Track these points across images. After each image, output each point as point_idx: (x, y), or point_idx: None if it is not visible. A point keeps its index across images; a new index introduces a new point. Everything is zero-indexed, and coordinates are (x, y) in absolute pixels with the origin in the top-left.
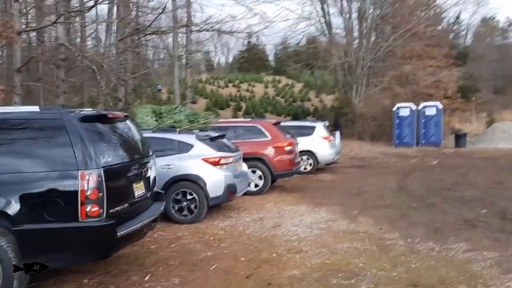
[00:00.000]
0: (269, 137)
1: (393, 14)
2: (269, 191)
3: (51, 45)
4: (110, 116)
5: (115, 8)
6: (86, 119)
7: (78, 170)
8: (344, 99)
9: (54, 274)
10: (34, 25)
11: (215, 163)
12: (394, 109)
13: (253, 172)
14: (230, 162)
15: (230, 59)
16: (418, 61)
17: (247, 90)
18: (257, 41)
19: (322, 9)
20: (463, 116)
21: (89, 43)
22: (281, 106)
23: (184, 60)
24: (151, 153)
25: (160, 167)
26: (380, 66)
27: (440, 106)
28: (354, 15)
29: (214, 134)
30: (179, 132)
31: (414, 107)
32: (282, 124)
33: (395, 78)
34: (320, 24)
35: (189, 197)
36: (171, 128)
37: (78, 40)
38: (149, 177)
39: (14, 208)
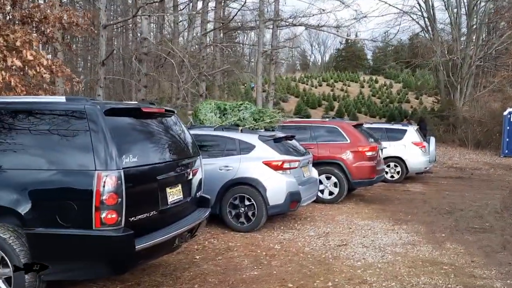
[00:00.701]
0: (349, 140)
1: (509, 7)
2: (345, 200)
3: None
4: (145, 110)
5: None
6: (112, 112)
7: (95, 170)
8: (446, 101)
9: (84, 280)
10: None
11: (277, 168)
12: (505, 113)
13: (328, 178)
14: (296, 167)
15: (327, 58)
16: None
17: (342, 90)
18: (354, 37)
19: (425, 2)
20: None
21: (181, 39)
22: (376, 107)
23: (269, 57)
24: (196, 153)
25: (218, 168)
26: (491, 66)
27: None
28: (462, 9)
29: (280, 134)
30: (242, 131)
31: None
32: (368, 126)
33: (508, 78)
34: (423, 18)
35: (247, 203)
36: (234, 127)
37: (169, 36)
38: (190, 180)
39: (25, 208)
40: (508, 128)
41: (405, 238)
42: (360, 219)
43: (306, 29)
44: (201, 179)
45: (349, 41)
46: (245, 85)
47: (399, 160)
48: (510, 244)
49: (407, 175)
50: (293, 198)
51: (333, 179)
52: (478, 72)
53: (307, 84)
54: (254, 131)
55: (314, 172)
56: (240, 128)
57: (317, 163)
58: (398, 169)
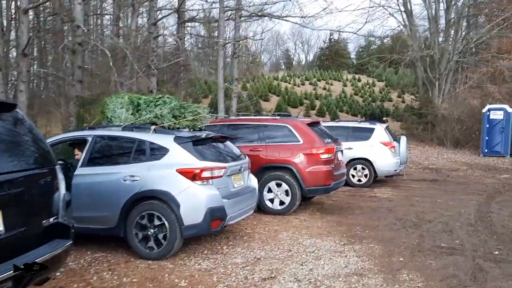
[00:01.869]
0: (301, 141)
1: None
2: (300, 210)
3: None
4: None
5: None
6: None
7: None
8: (424, 98)
9: None
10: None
11: (195, 177)
12: (484, 110)
13: (278, 185)
14: (221, 176)
15: (311, 57)
16: None
17: (324, 88)
18: (321, 29)
19: None
20: None
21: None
22: (358, 106)
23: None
24: (46, 163)
25: (122, 178)
26: (470, 61)
27: None
28: (441, 4)
29: (205, 134)
30: (155, 131)
31: (509, 109)
32: (331, 124)
33: (487, 75)
34: (400, 13)
35: (157, 222)
36: (148, 125)
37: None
38: (27, 202)
39: None
40: (487, 126)
41: (353, 265)
42: (307, 237)
43: (269, 19)
44: (54, 199)
45: (332, 40)
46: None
47: (366, 162)
48: (482, 273)
49: (376, 179)
50: (215, 216)
51: (284, 186)
52: (457, 68)
53: (289, 83)
54: (170, 132)
55: (251, 181)
56: (153, 127)
57: (267, 168)
58: (366, 172)
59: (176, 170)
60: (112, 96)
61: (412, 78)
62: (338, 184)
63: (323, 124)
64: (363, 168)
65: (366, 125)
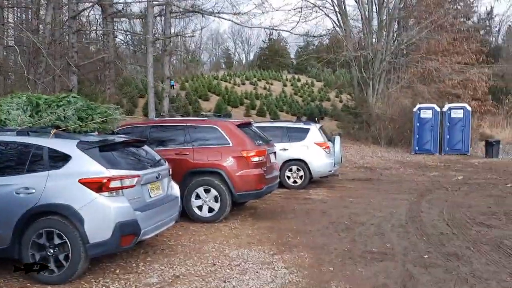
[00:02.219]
0: (231, 143)
1: (418, 3)
2: (232, 216)
3: None
4: None
5: None
6: None
7: None
8: (359, 98)
9: None
10: None
11: (101, 188)
12: (415, 110)
13: (207, 191)
14: (133, 185)
15: (251, 57)
16: (444, 56)
17: (264, 88)
18: (269, 28)
19: None
20: (494, 121)
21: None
22: (297, 106)
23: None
24: None
25: (14, 191)
26: (402, 62)
27: (469, 108)
28: (374, 7)
29: (117, 139)
30: (55, 135)
31: (437, 108)
32: (265, 125)
33: (417, 75)
34: (335, 13)
35: (57, 241)
36: (48, 129)
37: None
38: None
39: None
40: (418, 124)
41: (280, 279)
42: (235, 247)
43: (202, 16)
44: None
45: (272, 39)
46: (163, 83)
47: (301, 163)
48: (412, 281)
49: (311, 180)
50: (126, 231)
51: (213, 192)
52: (390, 68)
53: (229, 83)
54: (74, 136)
55: (173, 189)
56: (54, 131)
57: (194, 173)
58: (301, 173)
59: (79, 181)
60: (5, 97)
61: (348, 78)
62: (271, 188)
63: (256, 124)
64: (298, 169)
65: (301, 125)
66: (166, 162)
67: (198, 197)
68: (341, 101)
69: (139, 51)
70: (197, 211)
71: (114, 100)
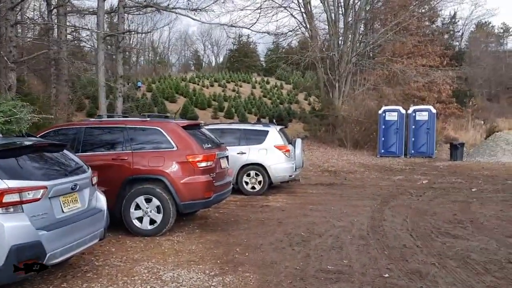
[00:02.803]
0: (175, 147)
1: (384, 5)
2: (177, 227)
3: None
4: None
5: None
6: None
7: None
8: (325, 100)
9: None
10: None
11: None
12: (380, 112)
13: (148, 201)
14: (38, 198)
15: (221, 59)
16: (409, 59)
17: (233, 90)
18: (235, 25)
19: None
20: (458, 124)
21: None
22: (266, 108)
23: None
24: None
25: None
26: (367, 64)
27: (434, 110)
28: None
29: (24, 142)
30: None
31: (403, 111)
32: (222, 127)
33: (383, 77)
34: (301, 14)
35: None
36: None
37: None
38: None
39: None
40: (383, 127)
41: None
42: (172, 267)
43: (158, 11)
44: None
45: (241, 41)
46: (129, 84)
47: (260, 168)
48: None
49: (271, 185)
50: (25, 256)
51: (155, 201)
52: (356, 70)
53: (198, 84)
54: None
55: (98, 200)
56: None
57: (134, 180)
58: (260, 178)
59: None
60: None
61: (316, 80)
62: (222, 196)
63: (212, 126)
64: (256, 174)
65: (260, 127)
66: (89, 169)
67: (138, 207)
68: (309, 104)
69: (92, 48)
70: (136, 223)
71: (64, 100)
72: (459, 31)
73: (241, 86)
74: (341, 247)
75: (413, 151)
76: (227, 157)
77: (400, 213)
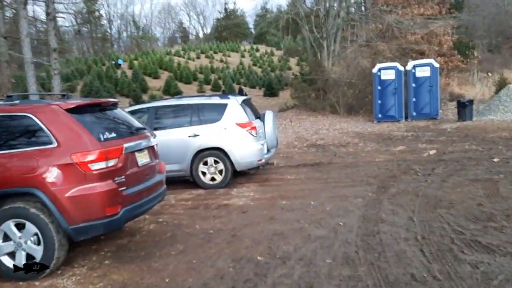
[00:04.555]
0: (54, 143)
1: None
2: (80, 254)
3: None
4: None
5: None
6: None
7: None
8: (313, 62)
9: None
10: None
11: None
12: (375, 71)
13: (19, 227)
14: None
15: (208, 30)
16: (404, 8)
17: (221, 61)
18: None
19: None
20: (463, 78)
21: None
22: (256, 77)
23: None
24: None
25: None
26: (358, 17)
27: (436, 64)
28: None
29: None
30: None
31: (400, 68)
32: (166, 104)
33: (375, 31)
34: None
35: None
36: None
37: None
38: None
39: None
40: (379, 88)
41: None
42: None
43: None
44: None
45: (228, 10)
46: (112, 61)
47: (219, 153)
48: None
49: (237, 173)
50: None
51: (31, 228)
52: (346, 26)
53: (184, 58)
54: None
55: None
56: None
57: None
58: (220, 166)
59: None
60: None
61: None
62: (143, 207)
63: (154, 104)
64: (216, 162)
65: (216, 100)
66: None
67: (6, 238)
68: (302, 69)
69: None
70: (6, 260)
71: (7, 84)
72: None
73: (229, 56)
74: (312, 285)
75: (414, 113)
76: (151, 147)
77: (404, 207)
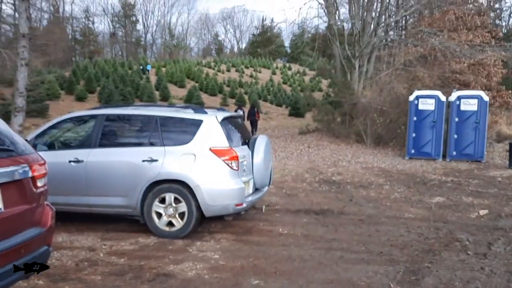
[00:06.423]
0: None
1: None
2: None
3: None
4: None
5: None
6: None
7: None
8: (341, 83)
9: None
10: None
11: None
12: (412, 99)
13: None
14: None
15: (244, 44)
16: (450, 32)
17: (251, 76)
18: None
19: None
20: (510, 117)
21: None
22: (284, 96)
23: None
24: None
25: None
26: (397, 37)
27: (486, 98)
28: None
29: None
30: None
31: (442, 98)
32: (120, 112)
33: (415, 54)
34: None
35: None
36: None
37: None
38: None
39: None
40: (415, 119)
41: None
42: None
43: None
44: None
45: (265, 26)
46: (141, 66)
47: (183, 189)
48: None
49: (204, 219)
50: None
51: None
52: (382, 46)
53: (213, 69)
54: None
55: None
56: None
57: None
58: (182, 208)
59: None
60: None
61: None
62: None
63: (104, 111)
64: (176, 201)
65: (188, 115)
66: None
67: None
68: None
69: None
70: None
71: None
72: (507, 10)
73: (260, 72)
74: None
75: (455, 153)
76: (13, 183)
77: None
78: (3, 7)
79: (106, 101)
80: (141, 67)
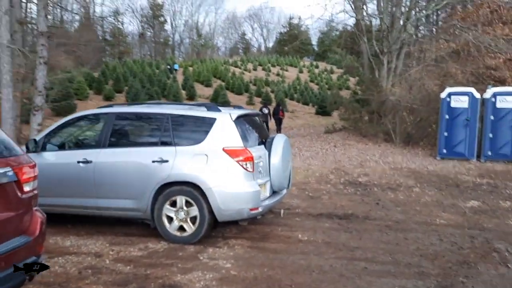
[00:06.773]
0: None
1: None
2: None
3: None
4: None
5: None
6: None
7: None
8: (369, 80)
9: None
10: None
11: None
12: (444, 96)
13: None
14: None
15: (271, 42)
16: (485, 26)
17: (278, 75)
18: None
19: None
20: None
21: None
22: (311, 94)
23: None
24: None
25: None
26: (428, 33)
27: None
28: None
29: None
30: None
31: (477, 95)
32: (129, 111)
33: (447, 50)
34: None
35: None
36: None
37: None
38: None
39: None
40: (447, 117)
41: None
42: None
43: None
44: None
45: (291, 24)
46: (168, 66)
47: (194, 192)
48: None
49: (217, 223)
50: None
51: None
52: (413, 42)
53: (240, 68)
54: None
55: None
56: None
57: None
58: (194, 211)
59: None
60: None
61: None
62: None
63: (113, 109)
64: (188, 204)
65: (200, 113)
66: None
67: None
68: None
69: None
70: None
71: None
72: None
73: (286, 70)
74: None
75: (490, 153)
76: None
77: None
78: (32, 6)
79: (133, 100)
80: (169, 67)
